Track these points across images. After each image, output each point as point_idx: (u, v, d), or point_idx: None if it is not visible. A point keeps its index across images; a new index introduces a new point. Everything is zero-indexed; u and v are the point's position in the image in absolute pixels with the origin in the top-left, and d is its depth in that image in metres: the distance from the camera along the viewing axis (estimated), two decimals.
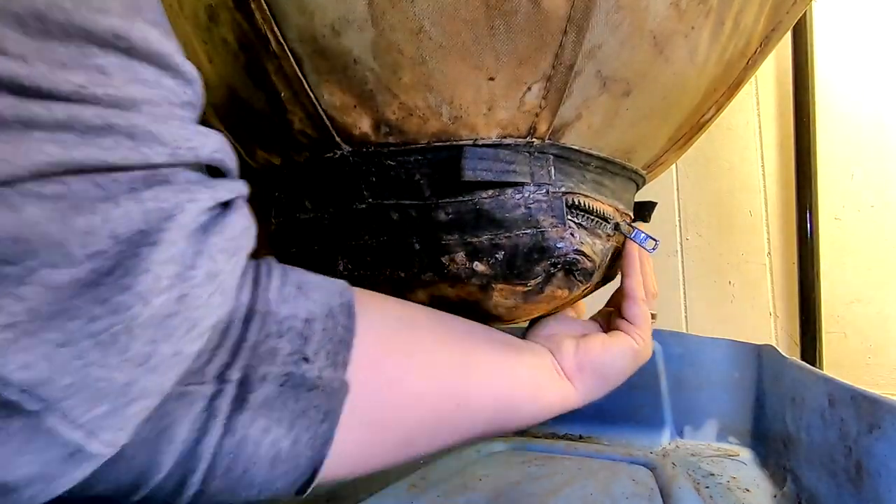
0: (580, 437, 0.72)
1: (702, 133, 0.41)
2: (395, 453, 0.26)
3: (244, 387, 0.20)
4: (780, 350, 0.59)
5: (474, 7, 0.25)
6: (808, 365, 0.51)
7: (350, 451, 0.24)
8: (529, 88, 0.28)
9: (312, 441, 0.22)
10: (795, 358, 0.55)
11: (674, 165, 0.75)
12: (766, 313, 0.75)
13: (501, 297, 0.34)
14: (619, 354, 0.34)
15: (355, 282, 0.37)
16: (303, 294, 0.23)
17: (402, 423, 0.26)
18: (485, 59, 0.27)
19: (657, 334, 0.70)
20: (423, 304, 0.36)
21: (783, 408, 0.55)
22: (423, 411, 0.27)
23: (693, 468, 0.58)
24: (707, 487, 0.53)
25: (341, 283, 0.26)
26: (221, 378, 0.20)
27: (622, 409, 0.71)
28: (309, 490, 0.23)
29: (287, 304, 0.22)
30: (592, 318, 0.41)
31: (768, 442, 0.61)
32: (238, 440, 0.20)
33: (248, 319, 0.21)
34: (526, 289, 0.33)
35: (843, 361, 0.69)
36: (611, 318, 0.39)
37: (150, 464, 0.19)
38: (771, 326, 0.74)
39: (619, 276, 0.38)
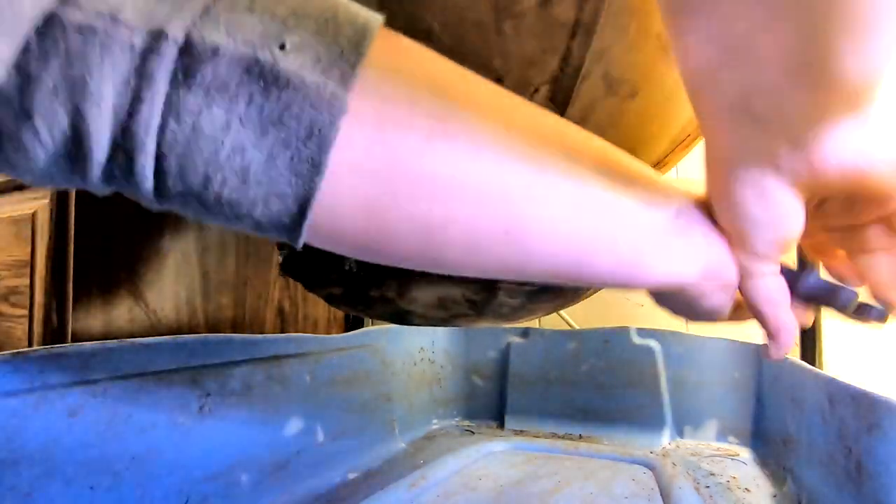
0: (580, 436, 0.72)
1: None
2: (414, 237, 0.19)
3: (189, 54, 0.15)
4: None
5: (483, 10, 0.25)
6: (808, 365, 0.51)
7: (348, 203, 0.17)
8: (537, 90, 0.29)
9: (295, 164, 0.16)
10: (795, 358, 0.55)
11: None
12: None
13: (507, 296, 0.34)
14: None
15: (360, 282, 0.37)
16: None
17: (415, 211, 0.19)
18: (493, 61, 0.27)
19: (657, 334, 0.71)
20: (430, 304, 0.36)
21: (783, 408, 0.56)
22: (458, 225, 0.19)
23: (693, 468, 0.58)
24: (707, 487, 0.53)
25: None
26: (156, 32, 0.15)
27: (622, 409, 0.71)
28: (300, 234, 0.17)
29: None
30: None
31: (768, 442, 0.61)
32: (188, 130, 0.15)
33: None
34: (532, 288, 0.33)
35: (842, 361, 0.69)
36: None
37: (80, 127, 0.15)
38: None
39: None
